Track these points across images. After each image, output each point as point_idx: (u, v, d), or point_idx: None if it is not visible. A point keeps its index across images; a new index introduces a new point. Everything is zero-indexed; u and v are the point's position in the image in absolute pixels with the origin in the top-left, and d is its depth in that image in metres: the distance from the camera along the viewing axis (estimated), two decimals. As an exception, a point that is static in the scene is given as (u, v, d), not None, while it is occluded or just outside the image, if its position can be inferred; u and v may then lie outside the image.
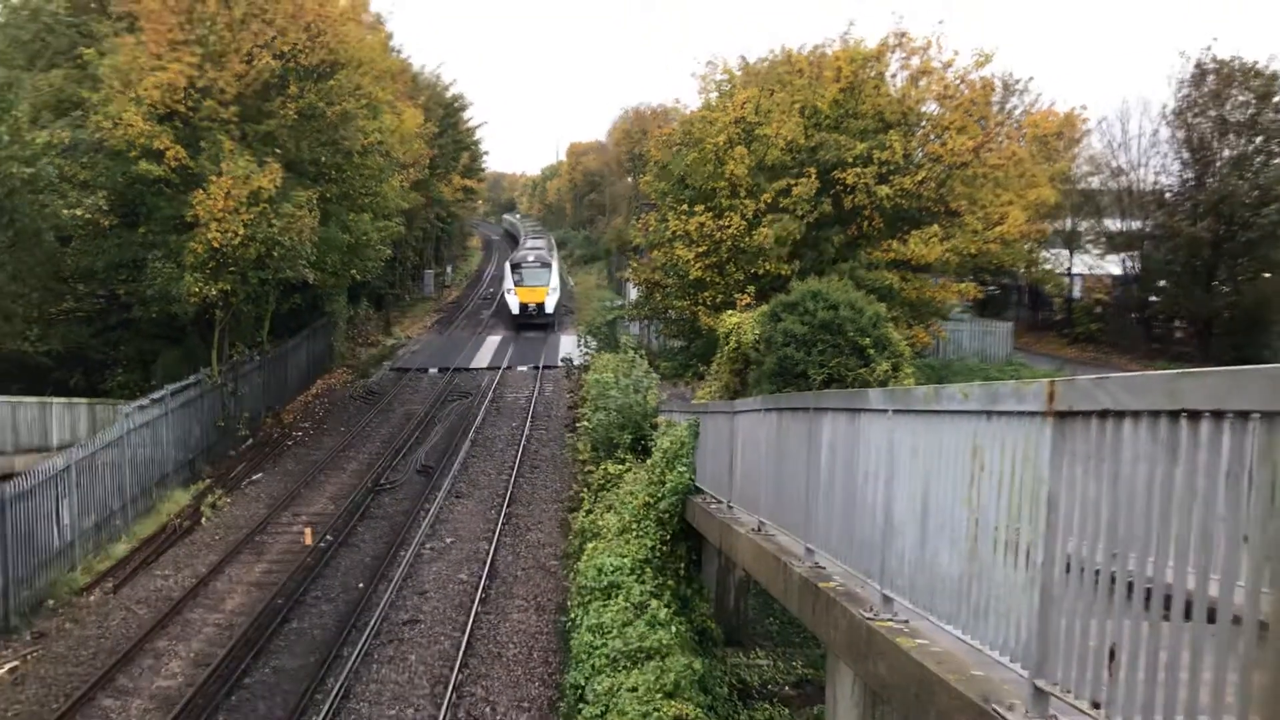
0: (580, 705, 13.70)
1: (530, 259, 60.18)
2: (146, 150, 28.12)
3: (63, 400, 26.91)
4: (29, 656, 17.91)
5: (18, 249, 26.20)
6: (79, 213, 26.51)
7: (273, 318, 36.04)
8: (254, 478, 29.45)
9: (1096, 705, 4.32)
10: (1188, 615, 3.74)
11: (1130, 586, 4.16)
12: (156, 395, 27.52)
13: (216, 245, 28.01)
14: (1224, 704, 3.55)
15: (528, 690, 16.32)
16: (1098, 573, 4.41)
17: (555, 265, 62.33)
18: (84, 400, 28.19)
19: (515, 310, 57.89)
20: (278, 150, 30.89)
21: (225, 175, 28.03)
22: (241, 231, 28.13)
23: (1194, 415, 3.78)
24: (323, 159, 33.62)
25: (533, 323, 57.44)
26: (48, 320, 30.44)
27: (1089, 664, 4.42)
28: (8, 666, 17.54)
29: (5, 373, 29.66)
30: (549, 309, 58.17)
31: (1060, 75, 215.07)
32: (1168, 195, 44.20)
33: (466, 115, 77.95)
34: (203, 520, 25.62)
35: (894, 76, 32.98)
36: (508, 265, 61.55)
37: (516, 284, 58.11)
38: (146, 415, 26.50)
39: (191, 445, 29.72)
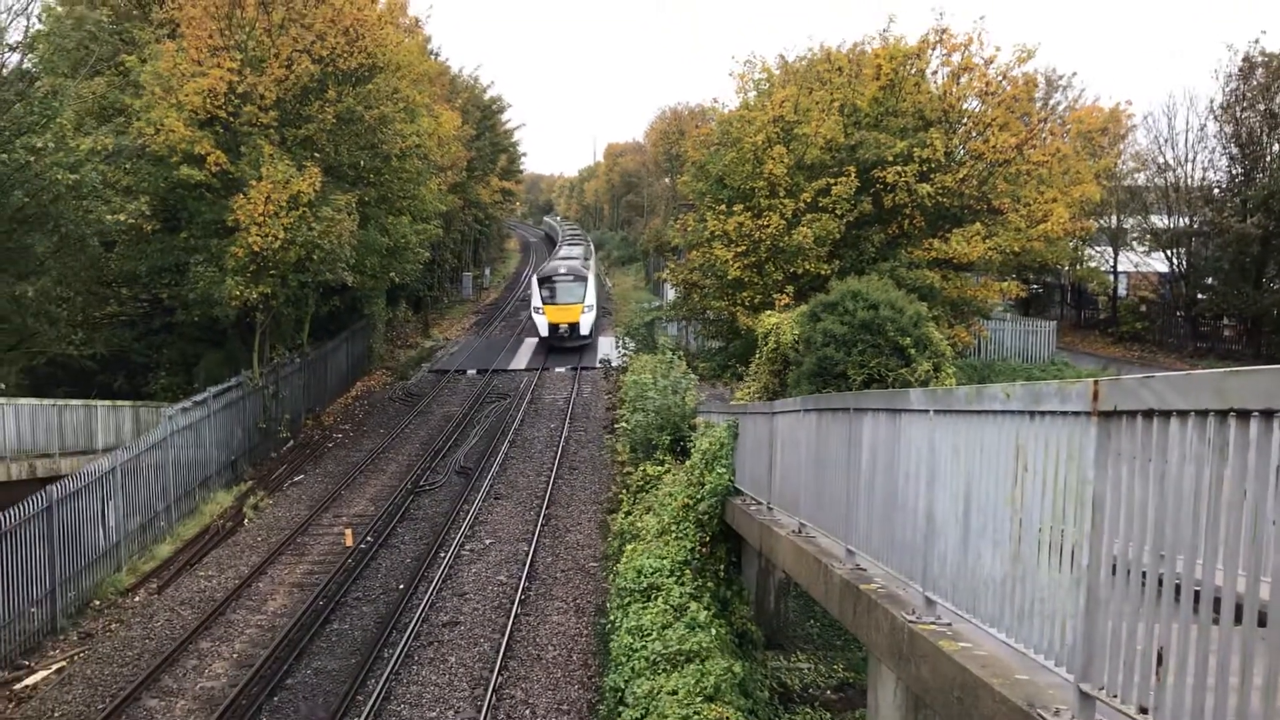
0: (620, 708, 13.65)
1: (562, 271, 50.91)
2: (188, 155, 28.54)
3: (107, 403, 27.31)
4: (76, 657, 18.16)
5: (62, 254, 26.61)
6: (122, 218, 26.86)
7: (312, 320, 36.35)
8: (295, 479, 29.67)
9: (1144, 710, 4.22)
10: (1237, 619, 3.65)
11: (1178, 589, 4.06)
12: (199, 397, 27.85)
13: (257, 249, 28.32)
14: (1275, 709, 3.45)
15: (567, 693, 16.31)
16: (1144, 574, 4.32)
17: (592, 277, 52.31)
18: (128, 403, 28.59)
19: (544, 332, 49.49)
20: (317, 154, 31.19)
21: (265, 179, 28.34)
22: (281, 235, 28.41)
23: (1243, 415, 3.70)
24: (361, 162, 33.87)
25: (564, 345, 49.40)
26: (92, 324, 30.91)
27: (1136, 668, 4.32)
28: (55, 667, 17.79)
29: (50, 376, 30.16)
30: (584, 330, 49.44)
31: (1105, 70, 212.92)
32: (1215, 191, 43.52)
33: (505, 117, 78.40)
34: (245, 521, 25.87)
35: (934, 74, 32.69)
36: (535, 279, 52.27)
37: (546, 301, 49.16)
38: (189, 417, 26.80)
39: (233, 447, 30.03)
